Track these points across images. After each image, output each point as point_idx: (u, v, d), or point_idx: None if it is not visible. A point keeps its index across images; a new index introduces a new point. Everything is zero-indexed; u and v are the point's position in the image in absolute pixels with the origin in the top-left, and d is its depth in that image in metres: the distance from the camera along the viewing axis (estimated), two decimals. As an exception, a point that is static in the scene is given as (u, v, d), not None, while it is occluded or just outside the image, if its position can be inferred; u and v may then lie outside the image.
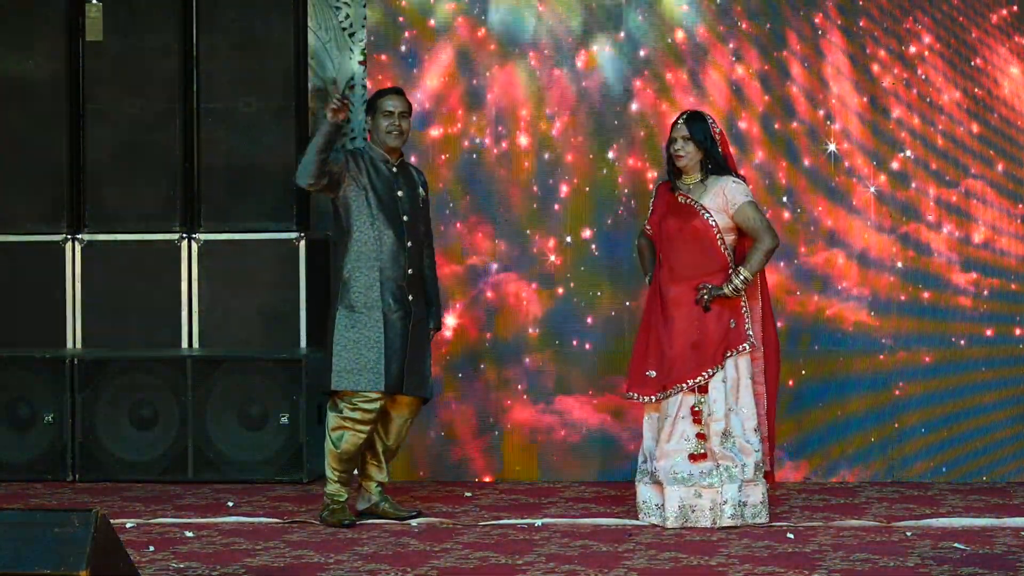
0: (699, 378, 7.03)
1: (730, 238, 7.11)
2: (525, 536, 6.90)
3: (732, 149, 7.44)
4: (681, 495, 7.06)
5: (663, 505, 7.09)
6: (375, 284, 7.13)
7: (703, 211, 7.08)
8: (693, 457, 7.03)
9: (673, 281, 7.12)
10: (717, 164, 7.13)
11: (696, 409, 7.04)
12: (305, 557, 6.48)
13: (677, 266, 7.12)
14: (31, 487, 8.24)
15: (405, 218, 7.22)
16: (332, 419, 7.18)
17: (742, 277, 7.04)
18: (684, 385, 7.03)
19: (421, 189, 7.37)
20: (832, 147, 8.26)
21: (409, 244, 7.22)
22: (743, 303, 7.09)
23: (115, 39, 8.73)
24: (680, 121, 7.17)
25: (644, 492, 7.20)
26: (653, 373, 7.13)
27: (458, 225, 8.40)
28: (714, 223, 7.07)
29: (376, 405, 7.12)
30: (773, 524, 7.08)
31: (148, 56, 8.72)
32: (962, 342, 8.26)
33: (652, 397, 7.13)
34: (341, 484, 7.21)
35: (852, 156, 8.28)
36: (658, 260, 7.24)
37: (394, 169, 7.27)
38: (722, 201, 7.07)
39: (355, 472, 7.35)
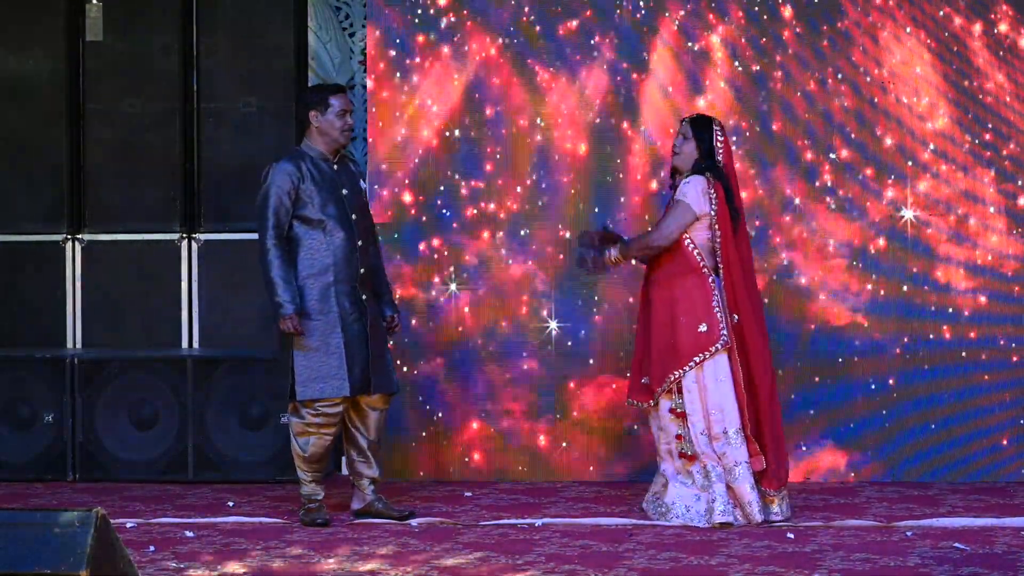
0: (665, 383, 7.12)
1: (700, 237, 7.14)
2: (525, 536, 6.90)
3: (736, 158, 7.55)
4: (681, 495, 7.11)
5: (665, 501, 7.19)
6: (329, 290, 7.10)
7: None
8: (683, 456, 7.12)
9: (652, 287, 7.26)
10: (710, 170, 7.16)
11: (676, 410, 7.13)
12: (305, 557, 6.48)
13: (654, 269, 7.25)
14: (31, 487, 8.24)
15: (354, 216, 7.18)
16: (295, 425, 7.18)
17: (614, 254, 7.26)
18: (659, 389, 7.15)
19: (361, 181, 7.35)
20: (832, 149, 8.27)
21: (360, 243, 7.19)
22: (716, 305, 7.10)
23: (115, 39, 8.73)
24: (685, 121, 7.28)
25: (655, 485, 7.32)
26: (647, 380, 7.26)
27: (455, 224, 8.38)
28: None
29: (339, 409, 7.13)
30: (773, 524, 7.08)
31: (148, 56, 8.72)
32: (962, 342, 8.26)
33: (649, 403, 7.25)
34: (315, 483, 7.24)
35: (850, 157, 8.28)
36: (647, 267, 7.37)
37: (335, 167, 7.22)
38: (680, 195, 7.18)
39: (334, 469, 7.36)
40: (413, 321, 8.33)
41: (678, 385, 7.11)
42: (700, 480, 7.10)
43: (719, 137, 7.20)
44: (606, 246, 7.31)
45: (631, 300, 8.23)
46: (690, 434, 7.09)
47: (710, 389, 7.09)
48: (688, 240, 7.12)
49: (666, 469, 7.22)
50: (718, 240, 7.11)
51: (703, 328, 7.07)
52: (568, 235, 8.32)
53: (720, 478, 7.07)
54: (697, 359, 7.07)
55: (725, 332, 7.08)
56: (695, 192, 7.11)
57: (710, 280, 7.13)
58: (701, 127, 7.21)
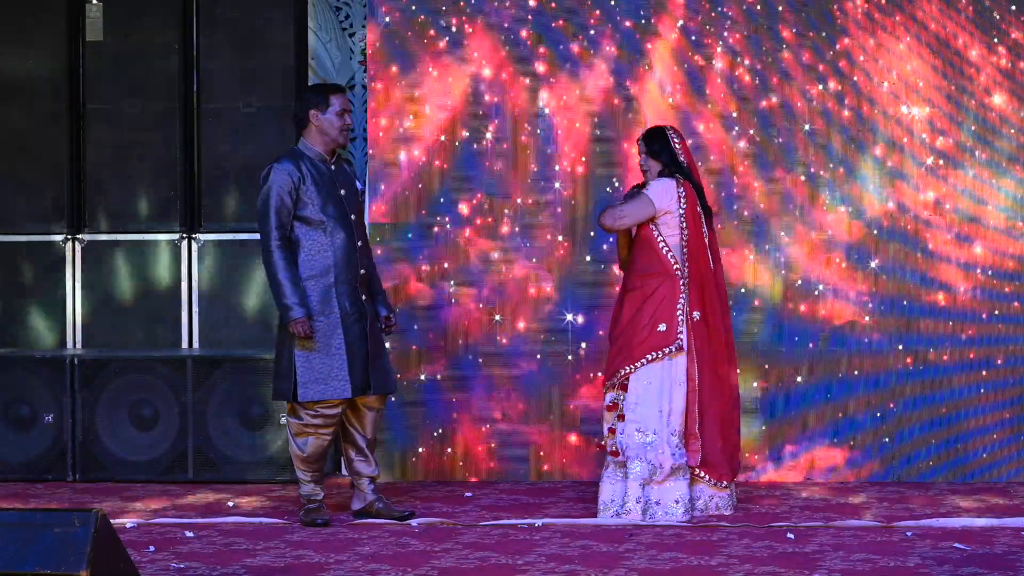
0: (614, 378, 7.24)
1: (673, 239, 7.23)
2: (525, 536, 6.90)
3: (697, 158, 7.77)
4: (613, 491, 7.24)
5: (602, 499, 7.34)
6: (330, 290, 7.07)
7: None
8: (611, 452, 7.25)
9: (627, 289, 7.36)
10: (679, 173, 7.31)
11: (615, 406, 7.26)
12: (305, 557, 6.48)
13: (633, 270, 7.36)
14: (31, 487, 8.24)
15: (353, 217, 7.17)
16: (293, 426, 7.16)
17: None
18: (608, 383, 7.29)
19: (357, 183, 7.34)
20: (832, 154, 8.29)
21: (359, 244, 7.18)
22: (680, 308, 7.17)
23: (115, 39, 8.74)
24: (640, 139, 7.44)
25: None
26: None
27: (455, 228, 8.38)
28: (653, 226, 7.25)
29: (338, 411, 7.12)
30: (773, 524, 7.08)
31: (148, 56, 8.73)
32: (961, 341, 8.26)
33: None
34: (315, 483, 7.22)
35: (851, 155, 8.29)
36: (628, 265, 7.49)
37: (332, 168, 7.21)
38: None
39: (333, 470, 7.35)
40: (414, 324, 8.33)
41: (624, 382, 7.19)
42: (620, 475, 7.21)
43: (676, 142, 7.34)
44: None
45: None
46: (624, 431, 7.18)
47: (664, 391, 7.17)
48: (662, 243, 7.23)
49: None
50: (686, 239, 7.20)
51: (662, 328, 7.17)
52: (567, 248, 8.32)
53: (636, 478, 7.14)
54: (648, 357, 7.16)
55: (682, 335, 7.17)
56: (659, 189, 7.24)
57: (681, 283, 7.21)
58: (656, 140, 7.36)
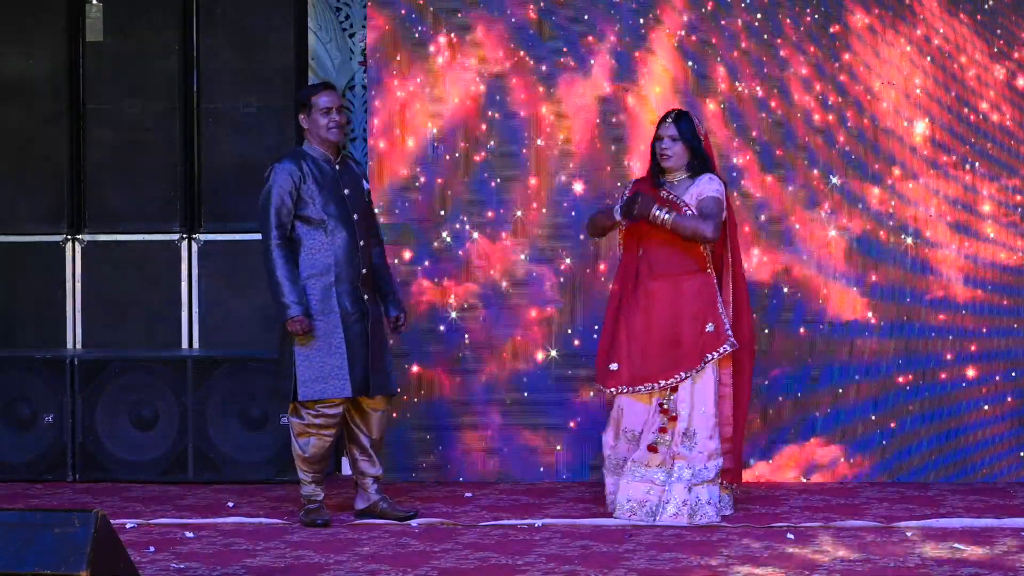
0: (673, 379, 7.10)
1: None
2: (525, 536, 6.90)
3: (715, 152, 7.55)
4: (636, 489, 7.16)
5: (618, 499, 7.23)
6: (331, 290, 7.08)
7: (685, 208, 7.11)
8: (649, 447, 7.13)
9: (652, 277, 7.17)
10: (703, 163, 7.18)
11: (665, 407, 7.13)
12: (305, 557, 6.48)
13: (656, 263, 7.17)
14: (31, 487, 8.24)
15: (356, 216, 7.17)
16: (295, 426, 7.17)
17: (662, 216, 7.01)
18: (657, 385, 7.12)
19: (364, 182, 7.35)
20: (836, 147, 8.29)
21: (362, 243, 7.18)
22: (720, 307, 7.12)
23: (115, 39, 8.74)
24: (668, 120, 7.21)
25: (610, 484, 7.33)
26: (615, 366, 7.20)
27: (455, 229, 8.38)
28: None
29: (339, 410, 7.12)
30: (773, 524, 7.09)
31: (148, 56, 8.73)
32: (961, 341, 8.26)
33: (614, 389, 7.23)
34: (316, 484, 7.23)
35: (853, 165, 8.29)
36: (637, 254, 7.25)
37: (337, 167, 7.20)
38: (697, 194, 7.13)
39: (334, 469, 7.36)
40: (416, 326, 8.32)
41: (677, 384, 7.10)
42: (660, 477, 7.12)
43: (701, 130, 7.23)
44: (658, 205, 7.12)
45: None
46: (673, 432, 7.10)
47: (708, 390, 7.09)
48: None
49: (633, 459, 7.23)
50: (727, 239, 7.16)
51: (710, 328, 7.08)
52: (567, 258, 8.31)
53: (683, 480, 7.09)
54: (708, 357, 7.07)
55: (731, 333, 7.10)
56: (720, 187, 7.12)
57: (714, 280, 7.15)
58: (687, 124, 7.16)
